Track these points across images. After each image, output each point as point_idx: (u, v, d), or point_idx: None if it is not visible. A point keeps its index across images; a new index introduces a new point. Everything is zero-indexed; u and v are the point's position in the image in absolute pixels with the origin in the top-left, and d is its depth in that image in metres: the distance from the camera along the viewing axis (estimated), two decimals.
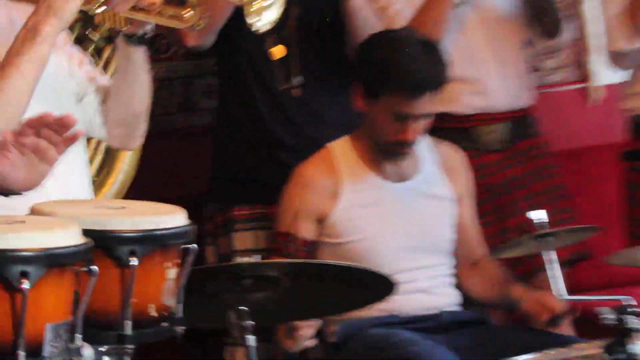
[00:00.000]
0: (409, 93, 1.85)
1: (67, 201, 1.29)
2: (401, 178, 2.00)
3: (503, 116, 2.31)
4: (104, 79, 1.60)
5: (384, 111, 1.89)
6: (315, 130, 2.16)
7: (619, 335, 1.42)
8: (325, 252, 1.93)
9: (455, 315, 1.96)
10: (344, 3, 2.21)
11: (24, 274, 0.87)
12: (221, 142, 2.32)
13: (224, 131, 2.32)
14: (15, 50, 1.29)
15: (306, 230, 1.92)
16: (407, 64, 1.86)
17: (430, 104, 1.90)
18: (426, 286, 1.94)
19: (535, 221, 1.70)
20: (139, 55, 1.48)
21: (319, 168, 1.97)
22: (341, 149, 1.99)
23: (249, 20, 1.35)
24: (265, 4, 1.36)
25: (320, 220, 1.93)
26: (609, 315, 1.41)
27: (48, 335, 0.93)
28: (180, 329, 1.08)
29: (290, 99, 2.16)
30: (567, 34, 2.42)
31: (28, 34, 1.27)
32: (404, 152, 1.94)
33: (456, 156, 2.10)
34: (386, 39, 1.97)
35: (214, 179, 2.30)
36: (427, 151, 2.04)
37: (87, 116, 1.53)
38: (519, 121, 2.34)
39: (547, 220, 1.70)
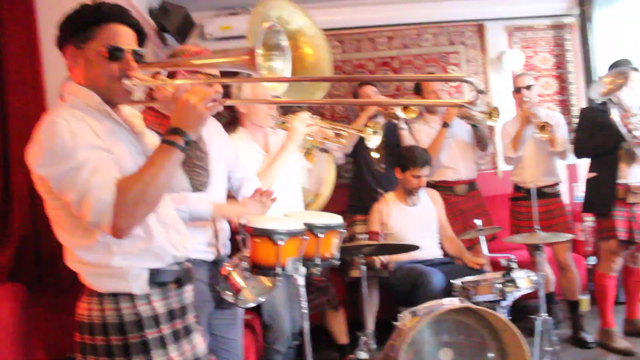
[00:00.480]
0: (420, 167, 3.85)
1: (298, 212, 2.78)
2: (414, 204, 3.98)
3: (464, 182, 4.58)
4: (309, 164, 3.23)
5: (409, 176, 3.78)
6: (387, 185, 4.10)
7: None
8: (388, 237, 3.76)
9: (440, 260, 3.92)
10: (398, 131, 4.33)
11: (281, 239, 2.22)
12: (353, 187, 4.54)
13: (354, 183, 4.59)
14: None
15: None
16: (419, 155, 3.69)
17: (427, 172, 3.97)
18: (428, 248, 3.87)
19: (477, 223, 3.45)
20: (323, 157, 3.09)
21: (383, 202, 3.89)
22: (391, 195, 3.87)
23: (367, 142, 2.96)
24: (375, 140, 2.88)
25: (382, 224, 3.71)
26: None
27: (289, 263, 2.30)
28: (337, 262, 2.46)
29: (379, 173, 4.27)
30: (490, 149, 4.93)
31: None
32: (417, 192, 3.95)
33: (436, 195, 4.21)
34: (409, 148, 4.01)
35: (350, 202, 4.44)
36: (423, 192, 4.07)
37: (301, 178, 3.17)
38: (471, 184, 4.61)
39: (481, 224, 3.45)
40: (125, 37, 1.68)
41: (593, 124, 4.04)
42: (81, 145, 1.53)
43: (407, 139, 4.40)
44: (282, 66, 1.62)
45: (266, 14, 3.95)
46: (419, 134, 4.57)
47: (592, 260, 4.48)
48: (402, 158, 3.95)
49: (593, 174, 4.12)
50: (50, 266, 1.52)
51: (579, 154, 4.24)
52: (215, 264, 2.43)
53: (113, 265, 1.63)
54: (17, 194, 2.74)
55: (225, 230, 2.52)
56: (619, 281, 4.30)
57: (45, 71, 3.03)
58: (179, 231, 1.82)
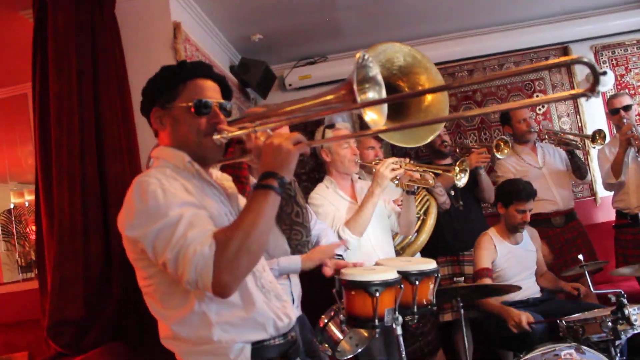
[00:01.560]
0: (525, 200, 3.60)
1: (390, 258, 2.76)
2: (517, 242, 3.75)
3: (562, 213, 4.37)
4: (397, 208, 3.14)
5: (513, 211, 3.61)
6: (462, 223, 4.05)
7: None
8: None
9: (537, 298, 3.69)
10: (476, 177, 4.22)
11: (377, 290, 2.22)
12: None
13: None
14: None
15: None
16: (523, 188, 3.65)
17: (531, 206, 3.68)
18: (527, 289, 3.63)
19: (580, 258, 3.27)
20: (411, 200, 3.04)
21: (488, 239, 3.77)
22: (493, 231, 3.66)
23: (456, 181, 3.21)
24: (463, 179, 2.90)
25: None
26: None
27: (386, 314, 2.28)
28: (434, 308, 2.41)
29: (458, 210, 4.08)
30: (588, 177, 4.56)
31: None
32: (522, 228, 3.60)
33: (535, 233, 3.98)
34: (512, 182, 3.84)
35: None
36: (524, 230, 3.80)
37: (391, 222, 3.06)
38: (569, 214, 4.41)
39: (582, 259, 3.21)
40: (210, 91, 1.66)
41: None
42: (174, 203, 1.47)
43: (484, 181, 4.31)
44: (376, 96, 1.56)
45: (375, 58, 4.07)
46: (503, 168, 4.48)
47: None
48: (504, 192, 3.76)
49: None
50: (152, 326, 1.56)
51: None
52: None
53: (213, 340, 1.53)
54: (116, 256, 2.89)
55: (298, 284, 2.54)
56: None
57: (139, 138, 3.21)
58: (279, 297, 1.72)
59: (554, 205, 4.38)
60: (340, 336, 2.37)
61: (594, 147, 4.36)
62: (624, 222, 4.23)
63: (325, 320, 2.39)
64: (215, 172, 1.82)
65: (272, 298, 1.68)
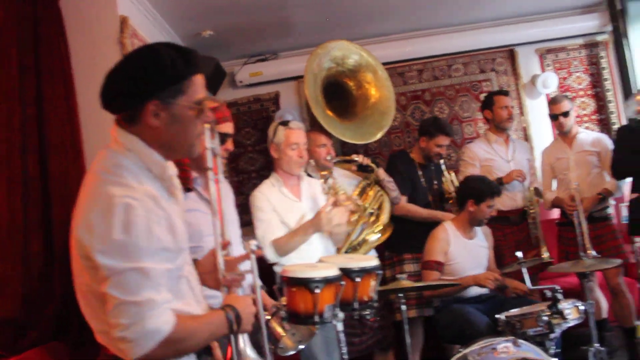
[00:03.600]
0: (497, 197, 3.62)
1: (333, 256, 2.80)
2: (471, 238, 3.84)
3: (519, 211, 4.46)
4: None
5: (485, 207, 3.80)
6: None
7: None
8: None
9: (487, 295, 3.78)
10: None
11: (317, 287, 2.24)
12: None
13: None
14: None
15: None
16: (494, 185, 3.77)
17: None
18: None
19: (518, 256, 3.25)
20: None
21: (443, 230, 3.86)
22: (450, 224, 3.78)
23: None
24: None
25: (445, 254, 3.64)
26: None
27: (326, 310, 2.31)
28: (376, 304, 2.45)
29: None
30: None
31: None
32: (485, 223, 3.77)
33: (488, 230, 4.07)
34: (483, 180, 3.96)
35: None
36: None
37: None
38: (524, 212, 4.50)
39: (522, 255, 3.29)
40: (204, 88, 1.58)
41: (631, 142, 3.97)
42: (153, 248, 1.42)
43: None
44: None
45: (327, 54, 4.11)
46: (470, 152, 4.59)
47: None
48: (477, 190, 3.85)
49: (635, 195, 4.03)
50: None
51: (619, 175, 4.16)
52: None
53: None
54: (59, 254, 2.84)
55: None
56: None
57: (84, 135, 3.17)
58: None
59: (514, 202, 4.47)
60: (282, 333, 2.39)
61: None
62: (566, 221, 4.37)
63: (267, 317, 2.40)
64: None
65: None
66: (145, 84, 1.49)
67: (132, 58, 1.53)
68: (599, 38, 5.72)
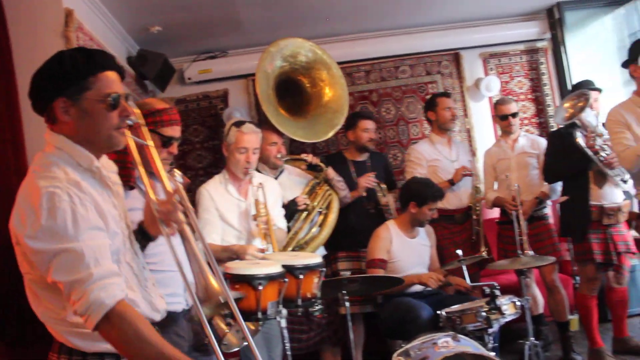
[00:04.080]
0: (433, 202, 3.66)
1: (277, 253, 2.81)
2: (414, 237, 3.92)
3: (463, 210, 4.54)
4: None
5: (426, 210, 3.81)
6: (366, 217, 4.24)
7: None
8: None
9: (429, 291, 3.80)
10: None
11: (260, 284, 2.27)
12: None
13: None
14: None
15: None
16: (438, 189, 3.79)
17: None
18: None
19: (459, 254, 3.43)
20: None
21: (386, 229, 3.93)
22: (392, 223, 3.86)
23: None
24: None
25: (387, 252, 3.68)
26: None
27: (270, 307, 2.33)
28: (319, 301, 2.48)
29: (361, 207, 4.36)
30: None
31: None
32: (426, 224, 3.84)
33: (431, 230, 4.15)
34: (427, 183, 4.05)
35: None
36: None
37: None
38: (468, 212, 4.56)
39: (462, 254, 3.42)
40: (117, 84, 1.67)
41: (561, 147, 4.10)
42: (83, 227, 1.51)
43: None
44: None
45: (280, 52, 4.10)
46: (415, 152, 4.65)
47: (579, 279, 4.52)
48: (420, 194, 3.93)
49: (565, 198, 4.18)
50: (34, 323, 1.52)
51: (550, 178, 4.29)
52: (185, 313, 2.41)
53: None
54: None
55: (191, 278, 2.51)
56: (604, 300, 4.35)
57: (25, 130, 3.08)
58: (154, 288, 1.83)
59: (460, 201, 4.55)
60: (226, 329, 2.39)
61: None
62: (506, 220, 4.48)
63: None
64: (102, 159, 1.79)
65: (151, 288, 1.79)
66: (50, 83, 1.61)
67: (44, 63, 1.65)
68: (539, 45, 5.92)
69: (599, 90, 4.14)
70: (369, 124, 4.44)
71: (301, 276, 2.39)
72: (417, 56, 5.78)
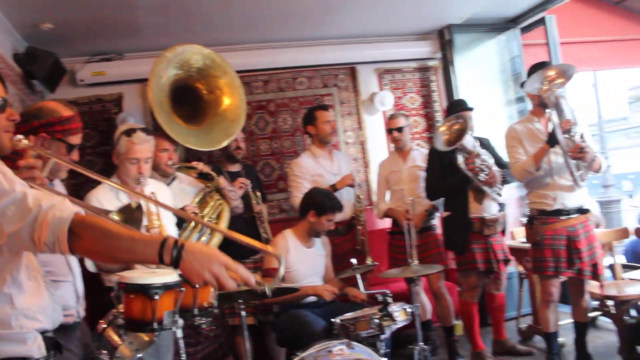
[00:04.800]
0: (332, 213, 3.75)
1: None
2: (310, 246, 3.99)
3: (346, 222, 4.64)
4: None
5: (325, 220, 3.86)
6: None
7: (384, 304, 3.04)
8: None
9: (324, 301, 3.83)
10: None
11: (156, 293, 2.19)
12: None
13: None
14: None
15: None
16: (337, 202, 3.84)
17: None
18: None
19: (353, 263, 3.52)
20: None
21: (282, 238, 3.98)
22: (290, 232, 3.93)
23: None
24: None
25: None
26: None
27: (165, 317, 2.26)
28: (216, 310, 2.44)
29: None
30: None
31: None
32: (324, 234, 3.97)
33: (326, 240, 4.22)
34: (328, 195, 4.11)
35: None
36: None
37: None
38: (351, 223, 4.66)
39: (357, 262, 3.50)
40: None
41: (441, 166, 4.31)
42: (15, 181, 1.54)
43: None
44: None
45: (176, 58, 3.97)
46: (300, 168, 4.65)
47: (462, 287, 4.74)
48: (319, 203, 3.96)
49: (447, 213, 4.39)
50: None
51: (431, 195, 4.49)
52: (76, 326, 2.29)
53: (12, 325, 1.56)
54: None
55: (82, 290, 2.41)
56: (484, 306, 4.60)
57: None
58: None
59: (343, 214, 4.52)
60: (119, 341, 2.29)
61: None
62: (397, 230, 4.63)
63: (104, 325, 2.30)
64: None
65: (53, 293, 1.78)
66: None
67: None
68: (430, 63, 6.19)
69: (471, 109, 4.37)
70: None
71: (198, 285, 2.33)
72: (315, 68, 5.86)
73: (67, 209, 1.53)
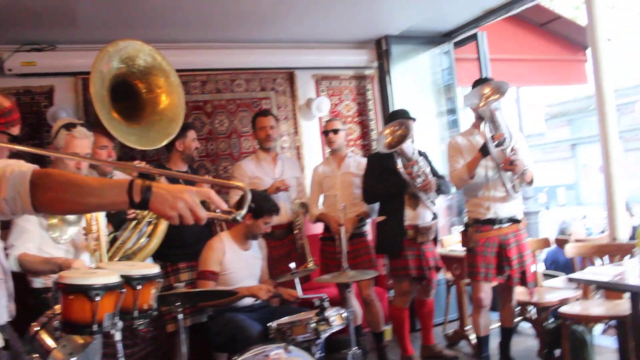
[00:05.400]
0: (269, 216, 3.73)
1: (112, 262, 2.65)
2: (247, 249, 3.96)
3: (284, 226, 4.63)
4: None
5: (262, 223, 3.87)
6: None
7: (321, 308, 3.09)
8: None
9: (259, 305, 3.92)
10: None
11: (97, 294, 2.12)
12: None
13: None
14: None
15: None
16: (274, 203, 3.83)
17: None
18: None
19: (291, 267, 3.57)
20: None
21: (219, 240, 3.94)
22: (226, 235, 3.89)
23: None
24: None
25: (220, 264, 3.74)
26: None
27: (106, 319, 2.19)
28: (155, 312, 2.39)
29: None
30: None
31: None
32: (260, 236, 3.95)
33: (262, 242, 4.22)
34: (265, 197, 4.04)
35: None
36: None
37: None
38: (289, 227, 4.66)
39: (295, 267, 3.56)
40: None
41: (379, 170, 4.42)
42: None
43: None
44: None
45: (118, 53, 3.84)
46: (240, 170, 4.66)
47: (393, 293, 4.83)
48: (257, 205, 3.89)
49: (382, 218, 4.47)
50: None
51: (368, 199, 4.57)
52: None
53: None
54: None
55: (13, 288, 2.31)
56: (414, 311, 4.71)
57: None
58: None
59: (279, 218, 4.51)
60: (53, 344, 2.20)
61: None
62: (329, 236, 4.67)
63: (36, 328, 2.20)
64: None
65: None
66: None
67: None
68: (367, 72, 6.29)
69: (413, 119, 4.49)
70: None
71: (139, 287, 2.27)
72: (254, 71, 5.83)
73: (25, 165, 1.51)
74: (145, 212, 3.76)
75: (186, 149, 4.38)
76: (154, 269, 2.43)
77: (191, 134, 4.43)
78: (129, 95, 4.15)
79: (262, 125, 4.69)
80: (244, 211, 1.65)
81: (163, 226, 3.83)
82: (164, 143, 4.16)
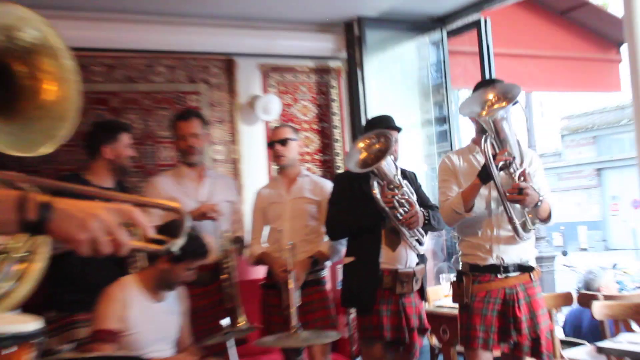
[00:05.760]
0: (193, 260, 3.62)
1: None
2: (160, 300, 3.81)
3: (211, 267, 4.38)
4: None
5: (183, 269, 3.74)
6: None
7: None
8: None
9: None
10: None
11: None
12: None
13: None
14: None
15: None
16: (203, 245, 3.71)
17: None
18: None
19: (223, 324, 3.50)
20: None
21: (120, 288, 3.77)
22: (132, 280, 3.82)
23: None
24: None
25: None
26: None
27: None
28: None
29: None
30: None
31: None
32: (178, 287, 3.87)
33: (182, 291, 4.05)
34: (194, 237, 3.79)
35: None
36: None
37: None
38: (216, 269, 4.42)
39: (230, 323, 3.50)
40: None
41: (349, 196, 4.37)
42: None
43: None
44: None
45: None
46: (155, 189, 4.56)
47: None
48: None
49: (351, 259, 4.41)
50: None
51: (333, 234, 4.49)
52: None
53: None
54: None
55: None
56: None
57: None
58: None
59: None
60: None
61: None
62: (271, 283, 4.55)
63: None
64: None
65: None
66: None
67: None
68: (332, 64, 6.34)
69: (398, 129, 4.45)
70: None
71: (7, 351, 2.18)
72: (179, 55, 5.79)
73: None
74: (14, 244, 3.61)
75: (116, 158, 4.29)
76: (31, 324, 2.34)
77: (124, 138, 4.35)
78: (2, 79, 4.05)
79: (183, 132, 4.56)
80: (180, 240, 1.61)
81: (39, 265, 3.69)
82: (49, 150, 4.05)
